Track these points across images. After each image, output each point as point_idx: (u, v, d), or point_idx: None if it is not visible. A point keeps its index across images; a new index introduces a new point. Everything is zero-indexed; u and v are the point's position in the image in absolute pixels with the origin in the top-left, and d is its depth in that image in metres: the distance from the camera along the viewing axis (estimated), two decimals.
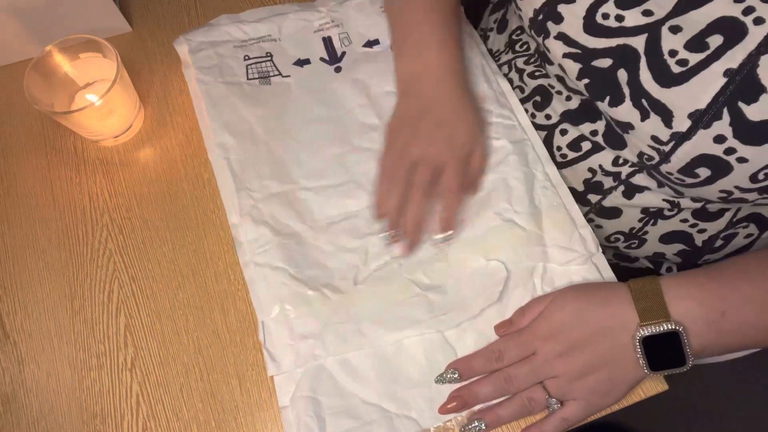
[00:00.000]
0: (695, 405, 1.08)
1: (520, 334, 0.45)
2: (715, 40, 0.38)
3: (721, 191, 0.43)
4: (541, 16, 0.46)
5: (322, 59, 0.58)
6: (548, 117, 0.54)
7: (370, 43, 0.59)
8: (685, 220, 0.52)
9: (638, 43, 0.41)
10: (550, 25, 0.46)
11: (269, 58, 0.58)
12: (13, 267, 0.53)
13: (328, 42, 0.59)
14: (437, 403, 0.44)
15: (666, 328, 0.41)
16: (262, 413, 0.46)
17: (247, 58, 0.57)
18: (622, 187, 0.52)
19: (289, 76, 0.57)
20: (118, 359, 0.49)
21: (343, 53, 0.58)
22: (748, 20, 0.37)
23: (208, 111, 0.55)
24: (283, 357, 0.46)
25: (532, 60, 0.56)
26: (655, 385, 0.46)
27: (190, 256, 0.52)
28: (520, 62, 0.58)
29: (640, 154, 0.46)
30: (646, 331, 0.41)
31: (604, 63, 0.44)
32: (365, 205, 0.51)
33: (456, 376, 0.44)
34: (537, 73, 0.55)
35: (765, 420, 1.07)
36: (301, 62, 0.58)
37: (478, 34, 0.61)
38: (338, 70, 0.58)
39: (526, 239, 0.49)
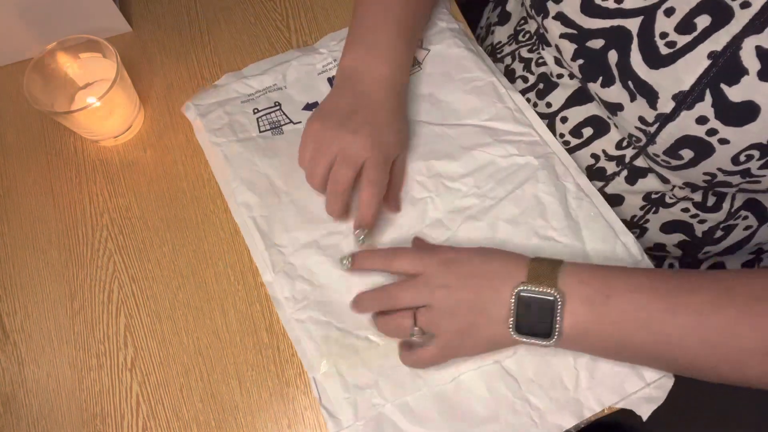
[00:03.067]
0: (695, 405, 1.08)
1: (420, 248, 0.47)
2: (703, 21, 0.39)
3: (705, 173, 0.43)
4: None
5: None
6: (549, 105, 0.55)
7: None
8: (686, 210, 0.52)
9: (633, 25, 0.42)
10: (550, 4, 0.46)
11: (278, 108, 0.57)
12: (13, 267, 0.53)
13: (332, 82, 0.58)
14: None
15: (544, 291, 0.40)
16: (262, 413, 0.46)
17: (256, 111, 0.57)
18: (625, 172, 0.52)
19: (300, 122, 0.56)
20: (118, 359, 0.49)
21: None
22: (735, 4, 0.38)
23: (226, 171, 0.54)
24: (342, 412, 0.45)
25: (535, 48, 0.57)
26: None
27: (190, 256, 0.52)
28: (524, 51, 0.58)
29: (629, 136, 0.47)
30: (526, 289, 0.40)
31: (597, 44, 0.44)
32: (394, 237, 0.50)
33: (347, 263, 0.48)
34: (540, 61, 0.56)
35: (765, 420, 1.07)
36: (310, 106, 0.57)
37: (478, 33, 0.61)
38: None
39: (569, 254, 0.48)
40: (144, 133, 0.58)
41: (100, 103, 0.50)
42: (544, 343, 0.41)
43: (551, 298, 0.40)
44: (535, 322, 0.40)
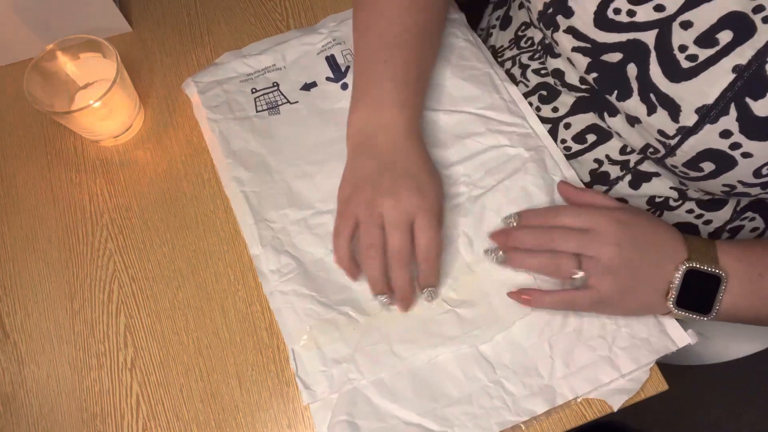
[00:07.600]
0: (695, 405, 1.08)
1: (590, 207, 0.46)
2: (725, 36, 0.39)
3: (725, 185, 0.43)
4: (551, 10, 0.46)
5: (327, 78, 0.58)
6: (555, 110, 0.54)
7: None
8: (690, 211, 0.52)
9: (648, 38, 0.42)
10: (560, 18, 0.46)
11: (276, 88, 0.57)
12: (13, 267, 0.53)
13: (331, 60, 0.58)
14: (481, 419, 0.43)
15: (712, 270, 0.42)
16: (262, 413, 0.46)
17: (254, 90, 0.57)
18: (629, 177, 0.52)
19: (297, 101, 0.57)
20: (118, 359, 0.49)
21: (348, 67, 0.58)
22: (757, 18, 0.38)
23: (222, 147, 0.55)
24: (317, 384, 0.45)
25: (537, 56, 0.56)
26: (655, 385, 0.46)
27: (190, 256, 0.52)
28: (524, 58, 0.58)
29: (646, 146, 0.47)
30: (694, 266, 0.42)
31: (614, 57, 0.44)
32: None
33: (512, 221, 0.47)
34: (543, 71, 0.55)
35: (765, 420, 1.07)
36: (308, 86, 0.57)
37: (478, 35, 0.60)
38: (345, 87, 0.57)
39: None
40: (144, 133, 0.58)
41: (100, 103, 0.50)
42: (700, 318, 0.43)
43: (718, 276, 0.42)
44: (695, 297, 0.42)
